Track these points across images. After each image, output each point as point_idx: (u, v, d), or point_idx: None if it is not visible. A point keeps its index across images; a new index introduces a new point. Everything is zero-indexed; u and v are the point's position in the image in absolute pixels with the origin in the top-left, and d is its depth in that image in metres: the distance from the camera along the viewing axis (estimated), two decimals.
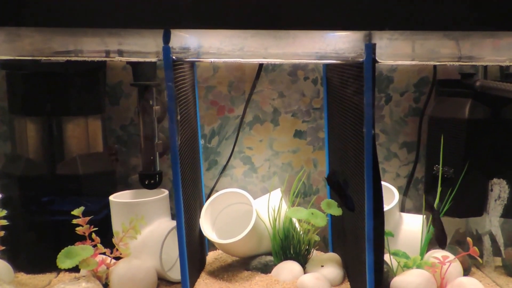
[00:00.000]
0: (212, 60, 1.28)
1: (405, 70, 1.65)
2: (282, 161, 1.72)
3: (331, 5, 0.98)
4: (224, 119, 1.69)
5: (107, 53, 1.19)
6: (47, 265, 1.44)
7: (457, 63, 1.26)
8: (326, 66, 1.55)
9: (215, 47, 1.09)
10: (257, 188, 1.72)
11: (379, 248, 1.10)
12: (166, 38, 1.05)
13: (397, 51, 1.12)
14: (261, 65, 1.63)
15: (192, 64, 1.50)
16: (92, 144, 1.52)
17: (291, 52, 1.12)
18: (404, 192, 1.70)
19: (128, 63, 1.51)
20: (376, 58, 1.01)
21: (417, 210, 1.70)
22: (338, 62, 1.12)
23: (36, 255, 1.46)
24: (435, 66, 1.60)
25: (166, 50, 1.06)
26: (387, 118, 1.69)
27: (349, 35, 1.04)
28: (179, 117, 1.10)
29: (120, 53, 1.14)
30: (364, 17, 0.98)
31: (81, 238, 1.35)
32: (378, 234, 1.09)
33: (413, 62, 1.20)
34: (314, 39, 1.06)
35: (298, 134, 1.70)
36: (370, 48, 0.99)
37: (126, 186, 1.66)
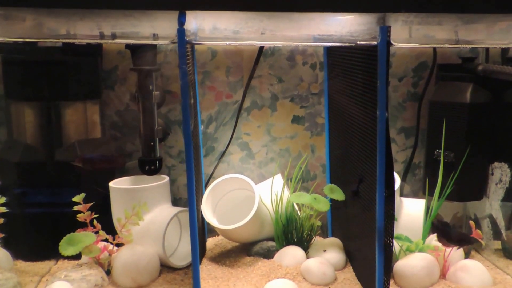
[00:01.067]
0: (228, 43, 1.24)
1: (403, 55, 1.65)
2: (280, 147, 1.71)
3: None
4: (222, 105, 1.67)
5: (106, 37, 1.16)
6: (46, 252, 1.42)
7: (470, 46, 1.26)
8: (327, 50, 1.54)
9: (223, 30, 1.07)
10: (254, 174, 1.71)
11: (389, 232, 1.10)
12: (181, 20, 1.03)
13: (412, 34, 1.11)
14: (260, 50, 1.61)
15: (192, 47, 1.47)
16: (90, 130, 1.49)
17: (305, 34, 1.11)
18: (402, 177, 1.71)
19: (127, 47, 1.48)
20: (391, 41, 1.00)
21: (414, 195, 1.70)
22: (352, 45, 1.10)
23: (35, 242, 1.43)
24: (435, 50, 1.60)
25: (181, 32, 1.03)
26: None
27: (363, 18, 1.03)
28: (192, 101, 1.07)
29: (123, 36, 1.11)
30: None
31: (81, 225, 1.33)
32: (389, 218, 1.09)
33: (427, 45, 1.19)
34: (328, 21, 1.04)
35: (296, 119, 1.69)
36: (385, 31, 0.99)
37: (123, 172, 1.63)
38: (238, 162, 1.71)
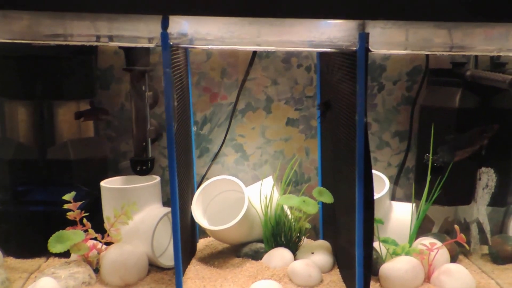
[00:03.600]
0: (210, 46, 1.27)
1: (397, 58, 1.66)
2: (274, 149, 1.72)
3: None
4: (216, 106, 1.69)
5: (101, 37, 1.18)
6: (37, 250, 1.44)
7: (448, 53, 1.26)
8: (320, 54, 1.55)
9: (212, 34, 1.08)
10: (248, 176, 1.72)
11: (368, 237, 1.11)
12: (165, 24, 1.05)
13: (390, 40, 1.12)
14: (254, 52, 1.63)
15: (186, 50, 1.49)
16: (83, 129, 1.51)
17: (286, 40, 1.12)
18: (395, 181, 1.71)
19: (121, 48, 1.50)
20: (369, 47, 1.01)
21: (407, 199, 1.71)
22: (332, 50, 1.11)
23: (26, 240, 1.46)
24: (427, 55, 1.60)
25: (165, 36, 1.05)
26: (379, 107, 1.70)
27: (343, 24, 1.04)
28: (176, 103, 1.09)
29: (115, 38, 1.14)
30: (358, 6, 0.98)
31: (72, 223, 1.36)
32: (368, 224, 1.10)
33: (406, 52, 1.20)
34: (308, 27, 1.06)
35: (291, 122, 1.71)
36: (364, 37, 1.00)
37: (116, 172, 1.66)
38: (233, 164, 1.72)
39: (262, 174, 1.71)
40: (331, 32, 1.04)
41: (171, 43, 1.06)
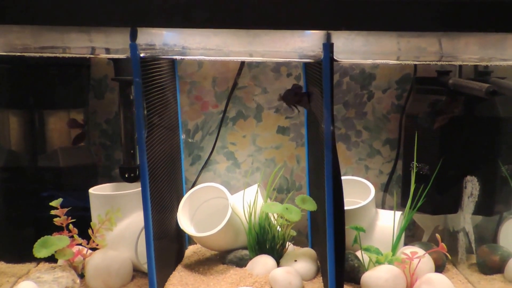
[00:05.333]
0: (179, 57, 1.30)
1: (387, 67, 1.66)
2: (265, 157, 1.74)
3: (291, 6, 0.99)
4: (208, 115, 1.71)
5: (76, 49, 1.22)
6: (27, 254, 1.47)
7: (412, 62, 1.27)
8: (305, 64, 1.56)
9: (178, 45, 1.11)
10: (240, 183, 1.74)
11: (339, 244, 1.11)
12: (133, 36, 1.08)
13: (355, 50, 1.13)
14: (243, 62, 1.65)
15: (173, 60, 1.52)
16: (74, 137, 1.55)
17: (251, 50, 1.14)
18: (385, 189, 1.71)
19: (110, 58, 1.53)
20: (335, 57, 1.02)
21: (398, 207, 1.70)
22: (300, 60, 1.13)
23: (16, 244, 1.50)
24: (415, 64, 1.60)
25: (133, 47, 1.08)
26: (369, 115, 1.70)
27: (310, 35, 1.06)
28: (145, 112, 1.12)
29: (86, 49, 1.17)
30: (323, 17, 1.00)
31: (61, 229, 1.39)
32: (338, 230, 1.10)
33: (371, 61, 1.21)
34: (273, 38, 1.07)
35: (281, 130, 1.72)
36: (328, 47, 1.01)
37: (110, 179, 1.70)
38: (224, 171, 1.74)
39: (254, 181, 1.73)
40: (295, 43, 1.06)
41: (142, 54, 1.09)
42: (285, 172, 1.73)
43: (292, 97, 1.35)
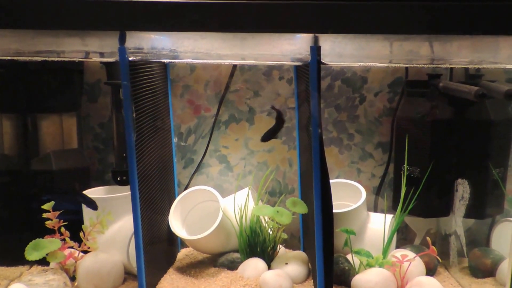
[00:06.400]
0: (166, 60, 1.31)
1: (379, 70, 1.66)
2: (258, 160, 1.74)
3: (278, 9, 1.00)
4: (200, 118, 1.72)
5: (67, 53, 1.22)
6: (20, 257, 1.48)
7: (401, 65, 1.28)
8: (296, 67, 1.57)
9: (166, 49, 1.12)
10: (232, 187, 1.74)
11: (328, 247, 1.11)
12: (122, 40, 1.08)
13: (343, 53, 1.14)
14: (235, 65, 1.65)
15: (165, 64, 1.53)
16: (66, 141, 1.56)
17: (238, 53, 1.15)
18: (377, 192, 1.72)
19: (102, 62, 1.54)
20: (322, 60, 1.03)
21: (390, 210, 1.71)
22: (288, 63, 1.13)
23: (9, 247, 1.50)
24: (406, 67, 1.61)
25: (122, 50, 1.09)
26: (361, 118, 1.70)
27: (298, 38, 1.06)
28: (135, 115, 1.13)
29: (74, 53, 1.18)
30: (310, 20, 1.00)
31: (54, 232, 1.39)
32: (327, 233, 1.11)
33: (358, 64, 1.21)
34: (259, 41, 1.08)
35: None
36: (315, 50, 1.02)
37: (104, 182, 1.70)
38: (217, 174, 1.75)
39: (246, 184, 1.73)
40: (282, 46, 1.06)
41: (131, 58, 1.10)
42: (277, 175, 1.74)
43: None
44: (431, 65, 1.40)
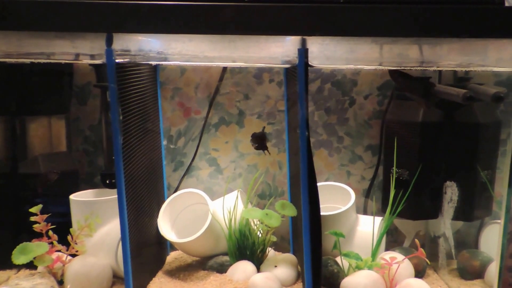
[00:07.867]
0: (154, 62, 1.30)
1: (368, 73, 1.67)
2: (248, 162, 1.74)
3: (266, 11, 1.00)
4: (190, 121, 1.72)
5: (57, 55, 1.22)
6: (7, 261, 1.47)
7: (389, 68, 1.28)
8: (286, 69, 1.57)
9: (154, 51, 1.11)
10: (222, 189, 1.74)
11: (315, 249, 1.11)
12: (109, 42, 1.08)
13: (331, 56, 1.14)
14: (224, 68, 1.65)
15: (155, 66, 1.52)
16: (55, 143, 1.55)
17: (226, 55, 1.15)
18: (366, 194, 1.72)
19: (91, 65, 1.54)
20: (310, 63, 1.03)
21: (379, 213, 1.71)
22: (276, 66, 1.13)
23: None
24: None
25: (109, 52, 1.08)
26: (351, 121, 1.71)
27: (285, 41, 1.06)
28: (121, 117, 1.12)
29: (60, 55, 1.17)
30: (297, 23, 1.00)
31: (41, 235, 1.38)
32: (314, 235, 1.11)
33: (346, 67, 1.22)
34: (248, 43, 1.08)
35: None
36: (303, 53, 1.02)
37: (93, 185, 1.69)
38: (207, 177, 1.74)
39: (236, 187, 1.73)
40: (269, 48, 1.06)
41: (118, 60, 1.10)
42: (267, 178, 1.74)
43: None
44: (420, 68, 1.41)
